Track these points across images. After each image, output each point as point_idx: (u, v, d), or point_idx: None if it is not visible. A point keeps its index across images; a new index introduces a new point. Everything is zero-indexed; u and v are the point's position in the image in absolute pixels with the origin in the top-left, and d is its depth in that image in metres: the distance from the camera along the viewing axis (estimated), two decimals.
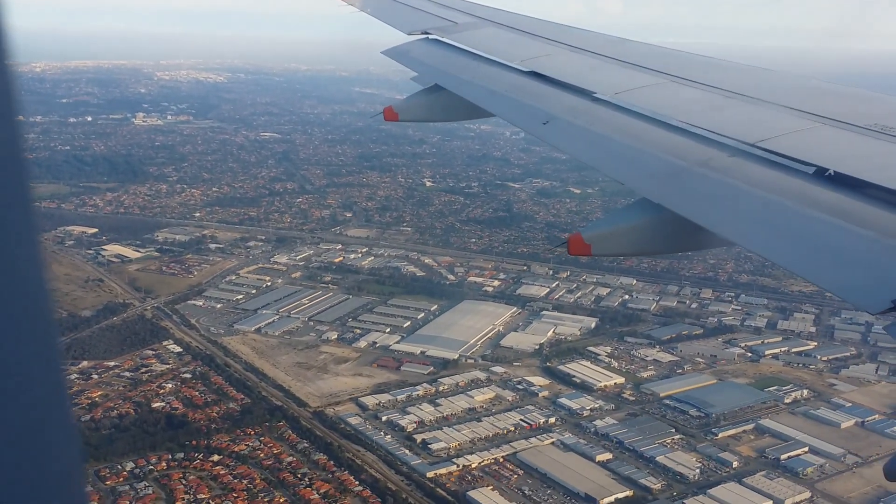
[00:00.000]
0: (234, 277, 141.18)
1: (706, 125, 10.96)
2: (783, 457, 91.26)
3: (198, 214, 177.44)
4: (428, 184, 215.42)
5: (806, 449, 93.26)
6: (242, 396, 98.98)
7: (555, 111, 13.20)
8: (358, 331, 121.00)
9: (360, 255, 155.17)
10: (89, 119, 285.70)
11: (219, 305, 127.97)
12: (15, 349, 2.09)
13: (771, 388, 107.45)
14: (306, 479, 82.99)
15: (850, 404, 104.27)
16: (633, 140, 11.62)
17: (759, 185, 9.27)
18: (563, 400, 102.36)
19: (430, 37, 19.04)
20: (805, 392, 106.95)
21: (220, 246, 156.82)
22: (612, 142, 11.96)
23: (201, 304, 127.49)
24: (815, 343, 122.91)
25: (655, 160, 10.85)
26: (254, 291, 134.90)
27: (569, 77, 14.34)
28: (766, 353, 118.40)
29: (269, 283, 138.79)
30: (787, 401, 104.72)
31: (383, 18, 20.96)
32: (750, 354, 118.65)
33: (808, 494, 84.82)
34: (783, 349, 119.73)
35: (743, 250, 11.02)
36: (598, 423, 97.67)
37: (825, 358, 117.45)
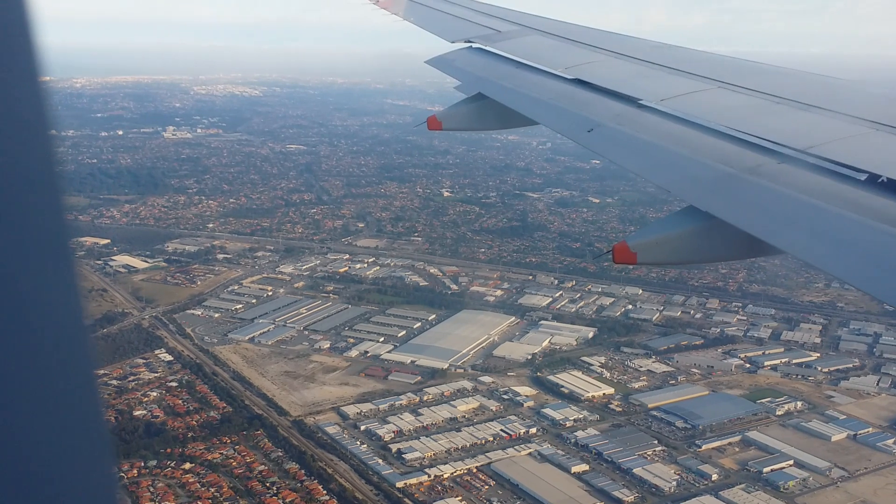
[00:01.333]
0: (236, 287, 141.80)
1: (754, 131, 10.75)
2: (766, 470, 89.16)
3: (211, 225, 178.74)
4: (446, 194, 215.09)
5: (791, 462, 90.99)
6: (224, 405, 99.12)
7: (599, 118, 13.09)
8: (351, 340, 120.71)
9: (365, 265, 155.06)
10: (120, 133, 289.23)
11: (217, 315, 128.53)
12: (49, 355, 2.13)
13: (764, 400, 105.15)
14: (274, 488, 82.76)
15: (845, 417, 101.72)
16: (679, 147, 11.44)
17: (810, 193, 9.03)
18: (547, 410, 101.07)
19: (474, 45, 19.08)
20: (799, 404, 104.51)
21: (228, 256, 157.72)
22: (657, 149, 11.79)
23: (200, 313, 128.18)
24: (818, 354, 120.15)
25: (702, 167, 10.71)
26: (254, 301, 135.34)
27: (613, 84, 14.23)
28: (766, 364, 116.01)
29: (270, 293, 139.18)
30: (778, 413, 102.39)
31: (427, 27, 21.17)
32: (748, 365, 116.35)
33: None
34: (783, 360, 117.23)
35: (787, 259, 10.67)
36: (580, 433, 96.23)
37: (826, 369, 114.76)
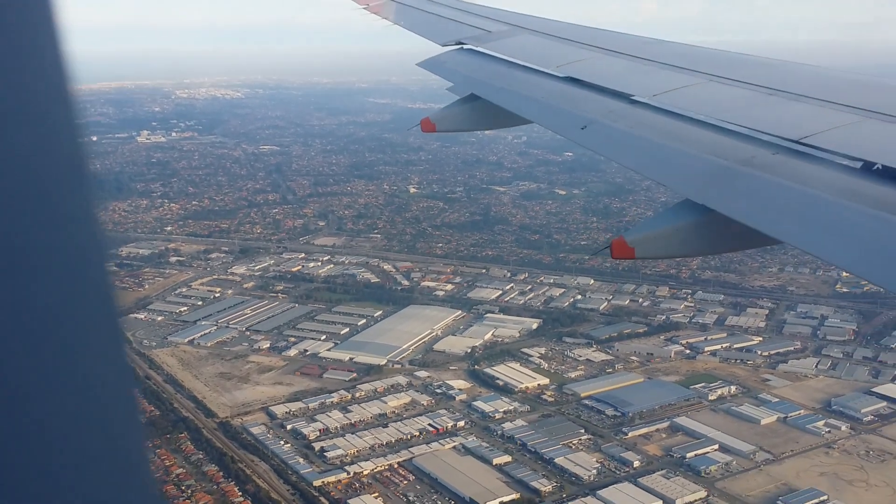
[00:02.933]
0: (184, 290, 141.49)
1: (748, 123, 10.78)
2: (689, 455, 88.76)
3: (169, 228, 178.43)
4: (412, 190, 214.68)
5: (716, 447, 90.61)
6: (152, 409, 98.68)
7: (592, 115, 13.12)
8: (292, 339, 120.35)
9: (319, 264, 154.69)
10: (94, 139, 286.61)
11: (160, 318, 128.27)
12: (85, 352, 2.18)
13: (697, 386, 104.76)
14: (189, 491, 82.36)
15: (778, 400, 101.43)
16: (673, 141, 11.45)
17: (805, 182, 9.05)
18: (477, 403, 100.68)
19: (465, 47, 19.12)
20: (733, 388, 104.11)
21: (182, 259, 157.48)
22: (651, 144, 11.79)
23: (143, 316, 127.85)
24: (761, 338, 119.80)
25: (697, 161, 10.72)
26: (200, 303, 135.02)
27: (605, 81, 14.29)
28: (706, 349, 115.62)
29: (217, 295, 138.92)
30: (711, 398, 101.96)
31: (416, 31, 21.16)
32: (688, 352, 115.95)
33: (703, 493, 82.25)
34: (724, 345, 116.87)
35: (788, 248, 10.54)
36: (507, 425, 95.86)
37: (766, 353, 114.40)
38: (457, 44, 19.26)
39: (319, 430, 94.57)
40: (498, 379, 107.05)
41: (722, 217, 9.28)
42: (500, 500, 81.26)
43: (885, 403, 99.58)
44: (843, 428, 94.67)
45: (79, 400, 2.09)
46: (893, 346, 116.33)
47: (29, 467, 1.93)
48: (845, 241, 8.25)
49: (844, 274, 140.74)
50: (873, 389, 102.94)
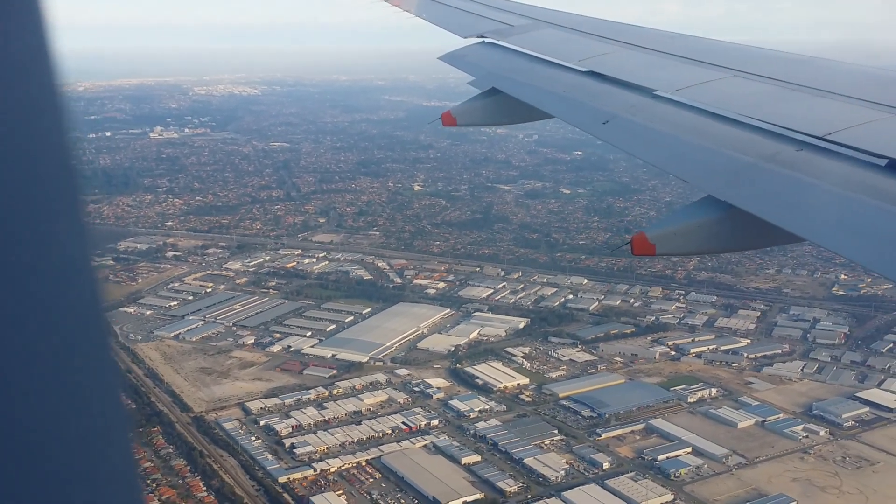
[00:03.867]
0: (177, 284, 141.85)
1: (771, 119, 10.65)
2: (661, 458, 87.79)
3: (170, 223, 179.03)
4: (417, 188, 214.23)
5: (689, 450, 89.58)
6: (128, 402, 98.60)
7: (614, 110, 13.10)
8: (277, 335, 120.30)
9: (315, 261, 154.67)
10: (109, 134, 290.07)
11: (149, 312, 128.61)
12: (70, 349, 2.17)
13: (678, 388, 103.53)
14: (153, 485, 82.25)
15: (758, 403, 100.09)
16: (695, 136, 11.38)
17: (829, 180, 8.96)
18: (454, 402, 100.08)
19: (486, 40, 19.16)
20: (714, 391, 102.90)
21: (178, 254, 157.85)
22: (674, 139, 11.76)
23: (132, 310, 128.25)
24: (749, 341, 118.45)
25: (720, 156, 10.64)
26: (191, 298, 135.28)
27: (628, 75, 14.24)
28: (692, 351, 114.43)
29: (209, 290, 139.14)
30: (690, 400, 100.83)
31: (439, 23, 21.21)
32: (674, 353, 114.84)
33: (670, 497, 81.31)
34: (711, 347, 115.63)
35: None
36: (481, 424, 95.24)
37: (753, 356, 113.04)
38: (478, 37, 19.31)
39: (292, 427, 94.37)
40: (478, 378, 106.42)
41: (744, 214, 9.19)
42: (463, 499, 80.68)
43: (867, 409, 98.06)
44: (822, 433, 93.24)
45: (64, 401, 2.08)
46: (884, 350, 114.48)
47: (14, 467, 1.92)
48: (869, 239, 8.10)
49: (843, 276, 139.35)
50: (857, 394, 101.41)
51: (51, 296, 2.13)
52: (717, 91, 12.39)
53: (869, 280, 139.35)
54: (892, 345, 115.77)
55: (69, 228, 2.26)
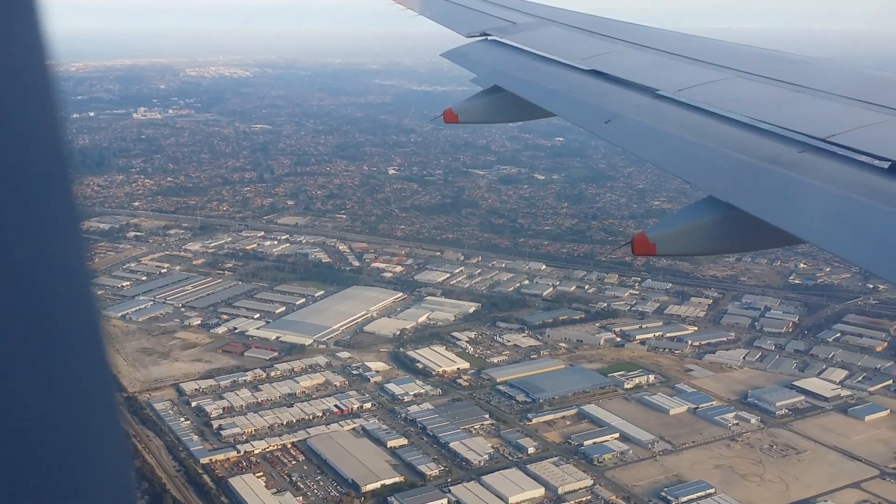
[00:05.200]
0: (133, 265, 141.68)
1: (774, 120, 10.66)
2: (587, 443, 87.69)
3: (137, 203, 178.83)
4: (391, 172, 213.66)
5: (616, 435, 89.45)
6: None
7: (617, 109, 13.14)
8: (225, 317, 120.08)
9: (276, 243, 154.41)
10: (92, 114, 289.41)
11: (100, 292, 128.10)
12: (63, 347, 2.14)
13: (616, 374, 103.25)
14: None
15: (693, 391, 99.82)
16: (698, 137, 11.38)
17: (831, 182, 8.96)
18: (389, 385, 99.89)
19: (489, 38, 19.15)
20: (651, 377, 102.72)
21: (140, 234, 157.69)
22: (676, 139, 11.78)
23: None
24: (696, 328, 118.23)
25: (722, 157, 10.64)
26: (144, 278, 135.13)
27: (631, 74, 14.25)
28: (637, 338, 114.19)
29: (164, 271, 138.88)
30: (627, 386, 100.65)
31: (441, 21, 21.29)
32: (619, 339, 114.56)
33: (589, 482, 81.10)
34: (657, 334, 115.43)
35: (814, 249, 10.41)
36: (413, 408, 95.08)
37: (697, 343, 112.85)
38: (481, 35, 19.22)
39: (223, 409, 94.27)
40: (418, 362, 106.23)
41: (746, 215, 9.17)
42: (382, 482, 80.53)
43: (802, 397, 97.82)
44: (753, 421, 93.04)
45: (59, 403, 2.06)
46: (830, 339, 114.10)
47: (9, 469, 1.91)
48: (871, 242, 8.07)
49: (802, 265, 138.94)
50: (794, 383, 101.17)
51: (47, 301, 2.07)
52: (719, 91, 12.42)
53: (828, 269, 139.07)
54: (839, 334, 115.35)
55: (65, 232, 2.18)
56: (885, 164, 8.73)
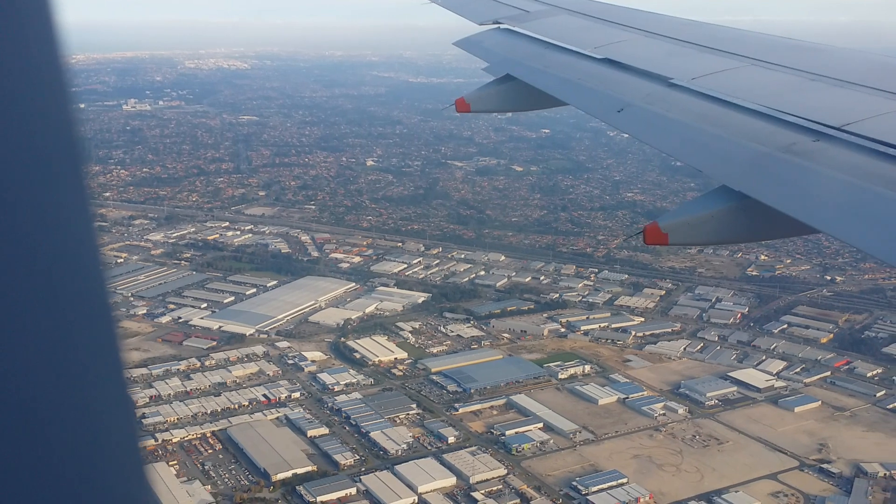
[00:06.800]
0: None
1: (788, 109, 10.55)
2: (508, 433, 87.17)
3: (108, 194, 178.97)
4: (369, 163, 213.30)
5: (540, 425, 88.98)
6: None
7: (630, 98, 13.05)
8: (172, 306, 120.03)
9: (238, 233, 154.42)
10: (82, 106, 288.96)
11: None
12: (77, 346, 2.15)
13: (552, 364, 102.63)
14: None
15: (626, 381, 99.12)
16: (711, 126, 11.29)
17: (846, 171, 8.82)
18: (322, 375, 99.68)
19: (502, 26, 19.15)
20: (587, 368, 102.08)
21: (104, 224, 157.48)
22: (689, 128, 11.66)
23: None
24: (643, 319, 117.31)
25: (735, 146, 10.56)
26: None
27: (644, 63, 14.18)
28: (581, 328, 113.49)
29: (122, 261, 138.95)
30: (561, 376, 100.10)
31: (454, 9, 21.25)
32: (563, 330, 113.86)
33: (503, 472, 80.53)
34: (602, 325, 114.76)
35: (826, 238, 10.31)
36: (341, 398, 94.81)
37: (640, 334, 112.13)
38: (493, 23, 19.16)
39: (150, 397, 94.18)
40: (356, 352, 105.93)
41: (759, 204, 9.08)
42: (293, 471, 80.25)
43: (735, 388, 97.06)
44: (681, 411, 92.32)
45: (73, 401, 2.06)
46: (775, 331, 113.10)
47: (25, 467, 1.91)
48: (885, 231, 7.91)
49: (762, 257, 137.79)
50: (730, 374, 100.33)
51: (62, 300, 2.07)
52: (733, 80, 12.27)
53: (788, 261, 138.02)
54: (785, 325, 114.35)
55: (79, 232, 2.21)
56: None
